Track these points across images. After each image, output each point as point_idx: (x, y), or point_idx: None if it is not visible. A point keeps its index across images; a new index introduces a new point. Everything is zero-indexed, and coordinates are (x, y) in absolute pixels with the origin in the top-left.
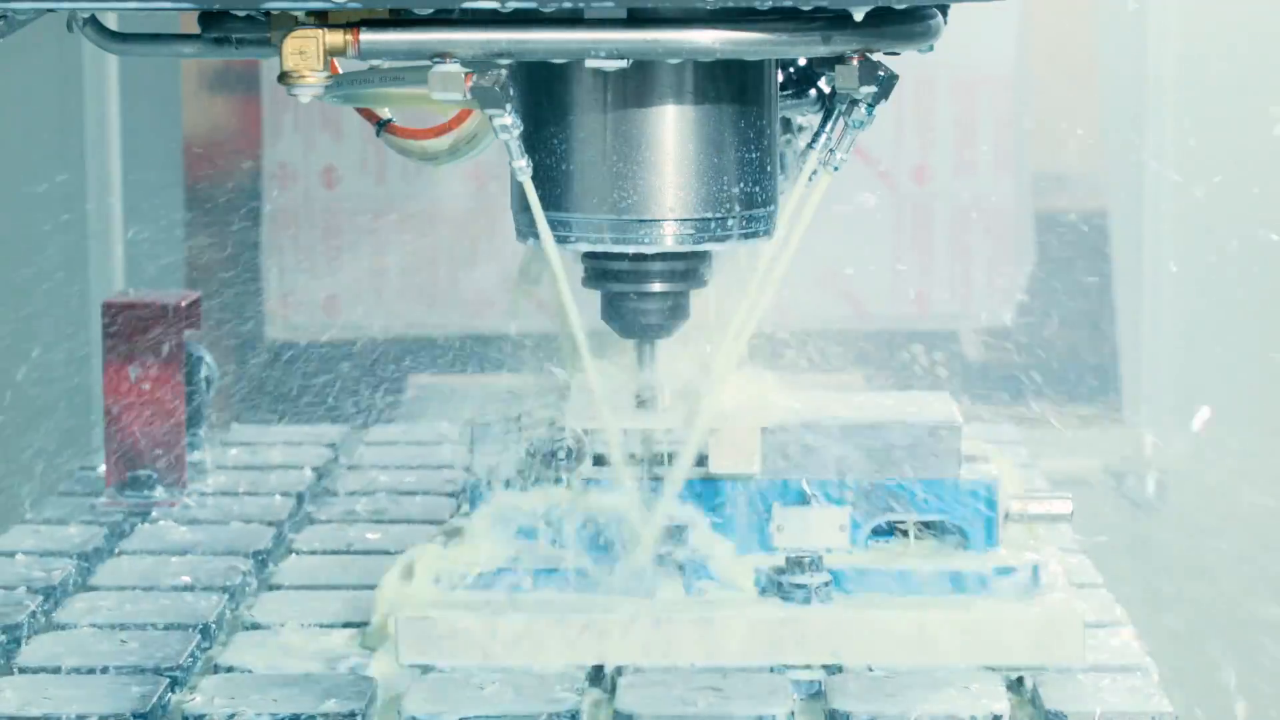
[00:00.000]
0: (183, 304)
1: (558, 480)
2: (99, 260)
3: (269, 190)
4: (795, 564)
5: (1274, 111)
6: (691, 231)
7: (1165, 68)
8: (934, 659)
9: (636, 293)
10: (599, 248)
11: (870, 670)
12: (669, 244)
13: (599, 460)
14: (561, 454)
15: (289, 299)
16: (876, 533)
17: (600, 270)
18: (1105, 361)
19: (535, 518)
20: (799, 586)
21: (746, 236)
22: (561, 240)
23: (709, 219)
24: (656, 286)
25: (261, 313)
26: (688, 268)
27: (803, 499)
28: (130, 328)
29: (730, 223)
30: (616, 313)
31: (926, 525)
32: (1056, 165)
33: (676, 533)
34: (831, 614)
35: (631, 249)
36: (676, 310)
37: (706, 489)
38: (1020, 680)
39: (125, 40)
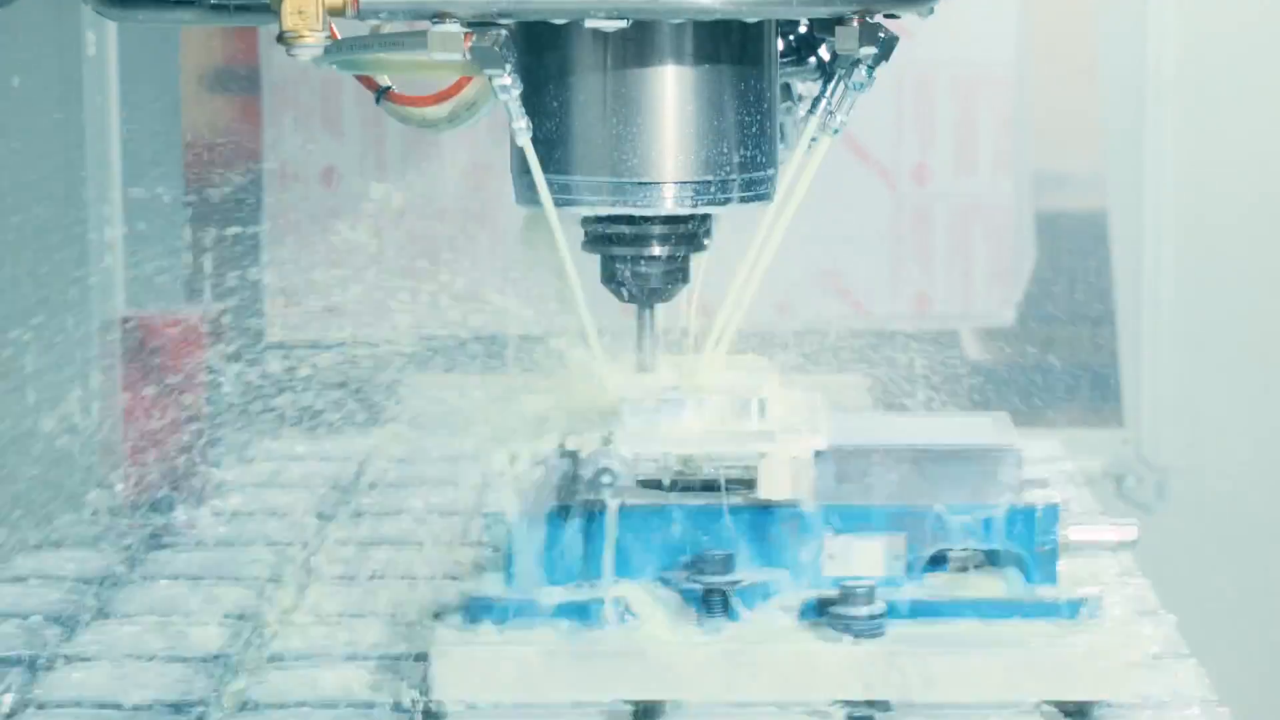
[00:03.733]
0: (203, 318)
1: (600, 502)
2: (99, 261)
3: (269, 190)
4: (848, 595)
5: (1275, 111)
6: (691, 194)
7: (1165, 67)
8: (992, 694)
9: (636, 256)
10: (598, 210)
11: (921, 705)
12: (669, 206)
13: (646, 484)
14: (606, 476)
15: (288, 299)
16: (932, 562)
17: (599, 234)
18: (1105, 361)
19: (567, 546)
20: (851, 618)
21: (746, 200)
22: (560, 202)
23: (709, 181)
24: (656, 250)
25: (261, 313)
26: (688, 231)
27: (855, 526)
28: (150, 343)
29: (730, 186)
30: (615, 276)
31: (984, 554)
32: (1056, 165)
33: (722, 562)
34: (885, 647)
35: (631, 210)
36: (676, 274)
37: (754, 516)
38: (1083, 717)
39: (125, 6)
